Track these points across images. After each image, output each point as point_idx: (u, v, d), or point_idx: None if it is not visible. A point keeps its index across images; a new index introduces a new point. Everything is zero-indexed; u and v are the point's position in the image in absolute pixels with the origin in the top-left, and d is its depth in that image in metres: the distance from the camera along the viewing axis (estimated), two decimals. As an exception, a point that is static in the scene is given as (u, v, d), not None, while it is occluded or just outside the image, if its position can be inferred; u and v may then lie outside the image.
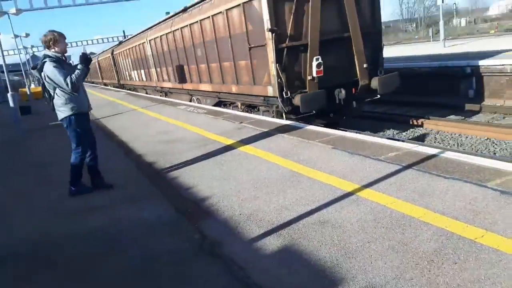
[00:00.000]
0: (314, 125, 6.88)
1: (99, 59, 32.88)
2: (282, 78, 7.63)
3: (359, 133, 7.00)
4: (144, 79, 18.93)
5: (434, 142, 8.05)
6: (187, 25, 11.58)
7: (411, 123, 9.62)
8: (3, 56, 13.28)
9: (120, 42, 26.92)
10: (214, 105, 11.24)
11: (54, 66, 4.67)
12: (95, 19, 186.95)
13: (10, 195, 5.32)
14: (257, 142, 5.92)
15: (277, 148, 5.42)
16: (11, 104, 11.63)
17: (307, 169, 4.37)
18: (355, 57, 8.16)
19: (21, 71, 42.13)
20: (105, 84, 32.60)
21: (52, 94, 4.57)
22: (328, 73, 7.72)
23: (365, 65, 8.23)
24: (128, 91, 22.25)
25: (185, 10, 12.00)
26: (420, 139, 8.50)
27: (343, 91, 8.06)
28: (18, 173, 6.55)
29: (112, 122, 10.58)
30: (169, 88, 15.67)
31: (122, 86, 25.99)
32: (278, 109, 8.11)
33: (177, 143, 6.79)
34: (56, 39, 4.74)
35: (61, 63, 4.65)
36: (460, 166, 3.86)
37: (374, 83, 8.30)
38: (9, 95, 11.33)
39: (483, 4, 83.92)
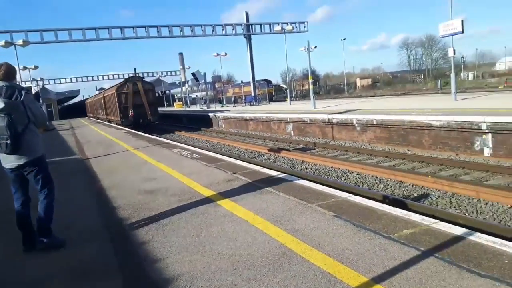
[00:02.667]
0: (311, 181, 6.12)
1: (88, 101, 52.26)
2: (120, 115, 26.46)
3: (367, 196, 6.16)
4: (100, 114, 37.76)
5: (450, 207, 7.17)
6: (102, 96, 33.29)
7: (422, 181, 8.77)
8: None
9: (100, 89, 48.02)
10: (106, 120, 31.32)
11: (32, 98, 4.10)
12: (107, 55, 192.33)
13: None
14: (246, 200, 5.11)
15: (268, 210, 4.59)
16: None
17: (302, 246, 3.52)
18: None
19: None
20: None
21: (20, 129, 3.86)
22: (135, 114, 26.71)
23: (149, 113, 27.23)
24: (128, 130, 21.78)
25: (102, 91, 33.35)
26: (433, 201, 7.61)
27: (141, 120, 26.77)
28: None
29: (101, 164, 9.85)
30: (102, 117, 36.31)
31: (97, 118, 40.59)
32: (119, 123, 26.49)
33: (158, 195, 5.99)
34: (15, 72, 4.21)
35: None
36: (496, 257, 3.00)
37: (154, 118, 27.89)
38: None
39: (490, 59, 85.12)
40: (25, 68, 31.08)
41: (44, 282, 3.33)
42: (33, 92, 4.53)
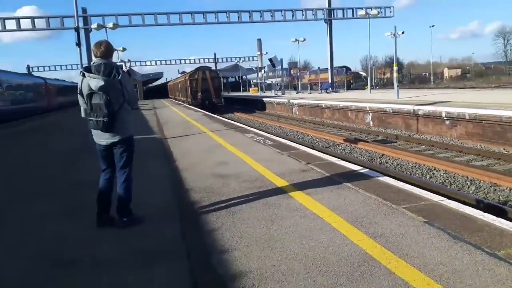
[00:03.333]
0: (391, 176, 5.52)
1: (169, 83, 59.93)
2: (191, 96, 32.26)
3: (463, 202, 5.43)
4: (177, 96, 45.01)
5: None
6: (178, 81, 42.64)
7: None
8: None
9: (182, 73, 54.62)
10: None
11: (128, 77, 4.18)
12: (189, 40, 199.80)
13: None
14: (322, 194, 4.73)
15: (347, 208, 4.17)
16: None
17: (386, 254, 3.08)
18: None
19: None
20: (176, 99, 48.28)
21: (116, 107, 3.91)
22: (203, 97, 31.74)
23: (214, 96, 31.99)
24: (206, 113, 22.30)
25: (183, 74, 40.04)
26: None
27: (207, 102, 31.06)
28: None
29: (178, 145, 10.07)
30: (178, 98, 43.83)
31: (175, 99, 47.45)
32: (190, 103, 31.84)
33: (230, 180, 5.85)
34: (113, 51, 4.24)
35: None
36: None
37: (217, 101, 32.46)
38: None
39: None
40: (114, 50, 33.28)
41: (113, 262, 3.30)
42: (125, 70, 4.56)
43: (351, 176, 5.47)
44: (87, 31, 31.40)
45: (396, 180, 5.14)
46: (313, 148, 9.63)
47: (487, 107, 12.96)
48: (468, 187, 8.07)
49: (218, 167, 6.88)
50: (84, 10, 31.57)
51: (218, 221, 4.09)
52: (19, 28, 31.12)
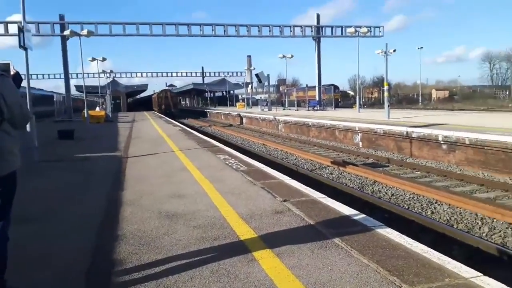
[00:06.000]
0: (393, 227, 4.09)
1: (153, 96, 66.40)
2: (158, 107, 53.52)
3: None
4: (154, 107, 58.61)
5: None
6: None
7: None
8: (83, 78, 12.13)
9: (170, 85, 69.05)
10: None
11: (10, 83, 2.67)
12: (177, 54, 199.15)
13: None
14: (299, 257, 3.26)
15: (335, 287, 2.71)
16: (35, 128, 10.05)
17: None
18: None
19: (98, 93, 43.92)
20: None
21: None
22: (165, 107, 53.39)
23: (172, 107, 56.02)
24: (184, 128, 20.79)
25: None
26: None
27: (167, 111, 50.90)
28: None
29: (137, 167, 8.53)
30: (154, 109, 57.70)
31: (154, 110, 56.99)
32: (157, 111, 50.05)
33: (179, 222, 4.36)
34: None
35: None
36: None
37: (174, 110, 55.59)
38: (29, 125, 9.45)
39: None
40: (93, 59, 31.66)
41: None
42: (12, 73, 3.01)
43: (341, 225, 4.03)
44: (64, 38, 29.72)
45: (401, 235, 3.68)
46: (297, 171, 8.16)
47: (488, 131, 11.76)
48: (480, 227, 6.71)
49: (171, 201, 5.37)
50: (61, 17, 29.95)
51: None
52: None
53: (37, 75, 68.55)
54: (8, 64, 6.72)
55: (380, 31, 40.92)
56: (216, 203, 5.09)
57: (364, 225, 4.02)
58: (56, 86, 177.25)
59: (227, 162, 8.38)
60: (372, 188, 9.58)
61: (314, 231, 3.88)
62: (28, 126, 9.15)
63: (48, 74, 72.19)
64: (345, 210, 4.56)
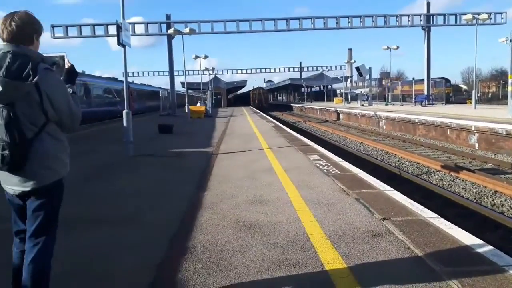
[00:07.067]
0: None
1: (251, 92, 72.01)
2: (252, 102, 64.37)
3: None
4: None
5: None
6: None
7: None
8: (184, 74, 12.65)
9: (268, 81, 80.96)
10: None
11: (59, 79, 2.37)
12: (276, 50, 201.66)
13: None
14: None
15: None
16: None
17: None
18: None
19: (201, 89, 46.20)
20: None
21: (30, 133, 2.20)
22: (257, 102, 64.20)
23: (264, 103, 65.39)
24: (277, 124, 20.41)
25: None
26: None
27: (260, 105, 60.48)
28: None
29: (223, 164, 8.28)
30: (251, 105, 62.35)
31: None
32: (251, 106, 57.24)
33: (257, 237, 3.79)
34: (37, 31, 2.37)
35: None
36: None
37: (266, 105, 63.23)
38: (124, 112, 9.94)
39: None
40: (196, 57, 33.20)
41: None
42: (67, 67, 2.65)
43: (459, 261, 3.03)
44: (169, 37, 31.64)
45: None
46: (400, 175, 7.04)
47: None
48: None
49: (251, 207, 4.84)
50: (167, 17, 31.97)
51: None
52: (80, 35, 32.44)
53: (148, 72, 75.30)
54: (63, 56, 6.74)
55: (502, 18, 35.75)
56: (300, 215, 4.40)
57: (491, 263, 2.98)
58: (166, 83, 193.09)
59: (318, 164, 7.61)
60: (493, 201, 7.96)
61: (422, 267, 2.97)
62: (124, 121, 9.53)
63: (163, 71, 78.69)
64: (465, 238, 3.49)
